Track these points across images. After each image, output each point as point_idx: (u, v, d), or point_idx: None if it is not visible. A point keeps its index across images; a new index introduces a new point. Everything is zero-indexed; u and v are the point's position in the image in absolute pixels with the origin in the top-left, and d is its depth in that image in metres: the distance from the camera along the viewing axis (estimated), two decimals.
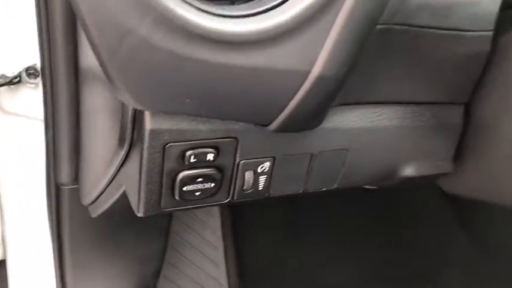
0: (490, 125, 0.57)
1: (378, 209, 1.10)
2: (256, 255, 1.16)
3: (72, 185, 0.65)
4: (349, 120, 0.54)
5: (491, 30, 0.53)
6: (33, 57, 0.57)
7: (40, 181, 0.67)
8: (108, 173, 0.57)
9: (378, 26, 0.46)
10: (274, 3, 0.40)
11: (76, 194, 0.65)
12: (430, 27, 0.49)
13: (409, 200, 1.05)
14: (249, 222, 1.17)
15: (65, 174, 0.63)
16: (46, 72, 0.56)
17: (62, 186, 0.65)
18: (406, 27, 0.48)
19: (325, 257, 1.15)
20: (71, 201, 0.67)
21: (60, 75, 0.56)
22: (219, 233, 1.15)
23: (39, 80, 0.59)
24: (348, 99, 0.52)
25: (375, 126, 0.55)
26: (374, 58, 0.49)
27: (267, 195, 0.55)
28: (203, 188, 0.51)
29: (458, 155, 0.61)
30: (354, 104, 0.53)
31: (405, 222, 1.13)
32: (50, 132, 0.60)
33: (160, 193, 0.50)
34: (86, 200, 0.63)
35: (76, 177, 0.64)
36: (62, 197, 0.67)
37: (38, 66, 0.58)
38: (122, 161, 0.53)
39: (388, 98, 0.54)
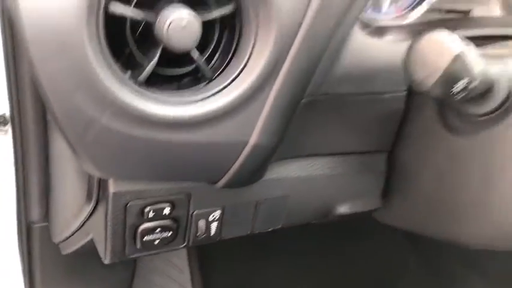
0: (410, 169, 0.66)
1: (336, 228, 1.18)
2: (222, 276, 1.23)
3: (43, 222, 0.70)
4: (288, 171, 0.63)
5: (405, 91, 0.62)
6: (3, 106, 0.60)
7: (11, 219, 0.71)
8: (76, 220, 0.64)
9: (304, 100, 0.54)
10: (216, 89, 0.48)
11: (46, 231, 0.71)
12: (351, 94, 0.58)
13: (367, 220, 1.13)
14: (213, 244, 1.23)
15: (35, 213, 0.69)
16: (15, 120, 0.61)
17: (32, 224, 0.70)
18: (330, 95, 0.57)
19: (290, 275, 1.23)
20: (42, 239, 0.72)
21: (29, 124, 0.61)
22: (184, 256, 1.21)
23: (8, 127, 0.62)
24: (285, 154, 0.60)
25: (310, 175, 0.64)
26: (305, 120, 0.58)
27: (218, 239, 0.63)
28: (161, 236, 0.58)
29: (386, 193, 0.70)
30: (290, 157, 0.62)
31: (362, 242, 1.21)
32: (20, 175, 0.65)
33: (124, 243, 0.57)
34: (56, 238, 0.69)
35: (46, 216, 0.70)
36: (33, 234, 0.72)
37: (7, 114, 0.60)
38: (89, 214, 0.60)
39: (320, 150, 0.63)
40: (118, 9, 0.43)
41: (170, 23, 0.44)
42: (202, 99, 0.48)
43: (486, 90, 0.50)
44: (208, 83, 0.49)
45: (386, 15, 0.66)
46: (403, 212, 0.70)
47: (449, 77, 0.43)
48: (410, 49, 0.45)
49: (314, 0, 0.49)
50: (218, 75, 0.49)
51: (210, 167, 0.53)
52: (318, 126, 0.60)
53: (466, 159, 0.58)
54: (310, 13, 0.49)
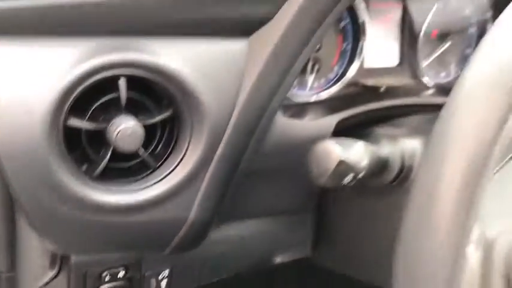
0: (334, 223, 0.77)
1: None
2: None
3: (10, 272, 0.76)
4: (228, 232, 0.73)
5: None
6: None
7: None
8: (41, 280, 0.72)
9: (237, 175, 0.65)
10: (159, 178, 0.58)
11: (13, 281, 0.78)
12: (278, 168, 0.68)
13: None
14: None
15: (2, 263, 0.77)
16: None
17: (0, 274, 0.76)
18: (260, 170, 0.67)
19: None
20: None
21: None
22: None
23: None
24: (224, 220, 0.70)
25: (248, 234, 0.74)
26: (240, 191, 0.68)
27: None
28: None
29: (316, 243, 0.81)
30: (229, 221, 0.72)
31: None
32: None
33: None
34: None
35: (13, 266, 0.77)
36: (1, 283, 0.79)
37: None
38: (52, 277, 0.69)
39: (255, 213, 0.73)
40: (75, 123, 0.53)
41: (118, 132, 0.54)
42: (147, 187, 0.58)
43: (381, 168, 0.61)
44: (152, 171, 0.59)
45: (311, 91, 0.77)
46: (334, 258, 0.80)
47: (337, 176, 0.54)
48: (311, 151, 0.56)
49: (241, 96, 0.59)
50: (161, 164, 0.59)
51: (156, 239, 0.62)
52: (251, 194, 0.70)
53: (376, 216, 0.69)
54: (237, 109, 0.59)
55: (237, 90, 0.58)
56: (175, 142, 0.59)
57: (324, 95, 0.76)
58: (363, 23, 0.75)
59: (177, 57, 0.55)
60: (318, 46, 0.75)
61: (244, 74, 0.58)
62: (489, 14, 0.83)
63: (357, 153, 0.55)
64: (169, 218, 0.60)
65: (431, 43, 0.82)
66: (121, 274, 0.66)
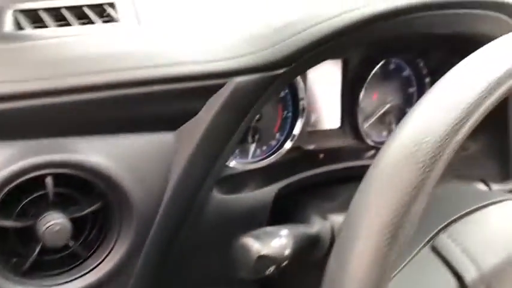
0: None
1: None
2: None
3: None
4: None
5: None
6: None
7: None
8: None
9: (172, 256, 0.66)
10: (90, 267, 0.60)
11: None
12: (215, 241, 0.70)
13: None
14: None
15: None
16: None
17: None
18: (196, 245, 0.69)
19: None
20: None
21: None
22: None
23: None
24: None
25: None
26: (177, 268, 0.69)
27: None
28: None
29: None
30: None
31: None
32: None
33: None
34: None
35: None
36: None
37: None
38: None
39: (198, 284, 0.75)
40: (2, 223, 0.54)
41: (47, 228, 0.55)
42: (78, 277, 0.59)
43: (311, 246, 0.63)
44: (83, 261, 0.61)
45: (253, 158, 0.78)
46: None
47: (258, 269, 0.56)
48: (234, 247, 0.58)
49: (170, 185, 0.61)
50: (92, 254, 0.61)
51: None
52: (192, 268, 0.71)
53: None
54: (167, 197, 0.61)
55: (165, 179, 0.60)
56: (106, 232, 0.60)
57: (265, 162, 0.78)
58: (302, 91, 0.77)
59: (102, 153, 0.57)
60: (257, 116, 0.77)
61: (172, 164, 0.60)
62: (427, 80, 0.85)
63: (279, 244, 0.57)
64: None
65: (372, 104, 0.84)
66: None
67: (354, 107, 0.82)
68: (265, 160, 0.78)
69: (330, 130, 0.83)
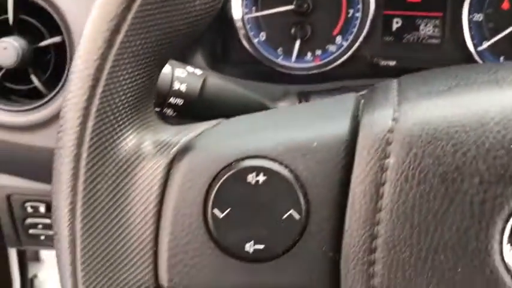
0: None
1: None
2: None
3: None
4: None
5: None
6: None
7: None
8: None
9: None
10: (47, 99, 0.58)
11: None
12: None
13: None
14: None
15: None
16: None
17: None
18: None
19: None
20: None
21: None
22: None
23: None
24: None
25: None
26: None
27: None
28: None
29: None
30: None
31: None
32: None
33: None
34: None
35: None
36: None
37: None
38: None
39: None
40: None
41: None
42: (39, 106, 0.58)
43: None
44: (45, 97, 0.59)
45: (300, 61, 0.64)
46: None
47: None
48: None
49: None
50: (57, 92, 0.58)
51: None
52: None
53: None
54: None
55: None
56: (61, 73, 0.58)
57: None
58: None
59: None
60: (305, 6, 0.62)
61: None
62: None
63: None
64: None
65: None
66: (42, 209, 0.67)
67: None
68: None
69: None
